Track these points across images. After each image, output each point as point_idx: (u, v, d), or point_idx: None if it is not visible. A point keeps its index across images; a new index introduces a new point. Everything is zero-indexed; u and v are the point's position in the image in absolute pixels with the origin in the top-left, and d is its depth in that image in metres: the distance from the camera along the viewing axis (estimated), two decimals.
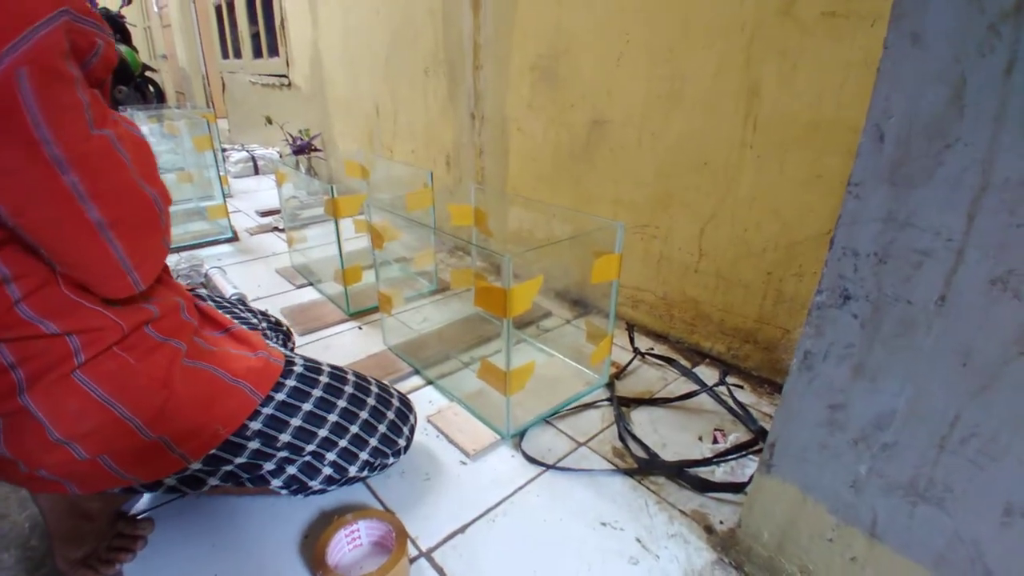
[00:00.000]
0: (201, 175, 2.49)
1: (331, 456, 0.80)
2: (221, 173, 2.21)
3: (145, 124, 2.52)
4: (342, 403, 0.83)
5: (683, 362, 1.29)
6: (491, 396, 1.11)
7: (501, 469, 0.96)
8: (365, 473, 0.85)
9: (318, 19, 2.72)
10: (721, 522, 0.85)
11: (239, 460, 0.75)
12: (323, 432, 0.80)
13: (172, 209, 2.49)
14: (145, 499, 0.89)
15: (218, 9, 4.16)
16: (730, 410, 1.10)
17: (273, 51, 3.36)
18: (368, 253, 1.69)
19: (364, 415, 0.84)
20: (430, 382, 1.23)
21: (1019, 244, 0.51)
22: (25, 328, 0.58)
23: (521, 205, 1.79)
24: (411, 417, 0.92)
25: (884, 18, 0.93)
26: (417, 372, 1.26)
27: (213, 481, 0.77)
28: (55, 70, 0.51)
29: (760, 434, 1.01)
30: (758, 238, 1.18)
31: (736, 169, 1.18)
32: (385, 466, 0.88)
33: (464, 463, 0.97)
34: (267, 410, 0.76)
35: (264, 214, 2.53)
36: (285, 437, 0.77)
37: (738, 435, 1.04)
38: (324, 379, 0.84)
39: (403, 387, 1.21)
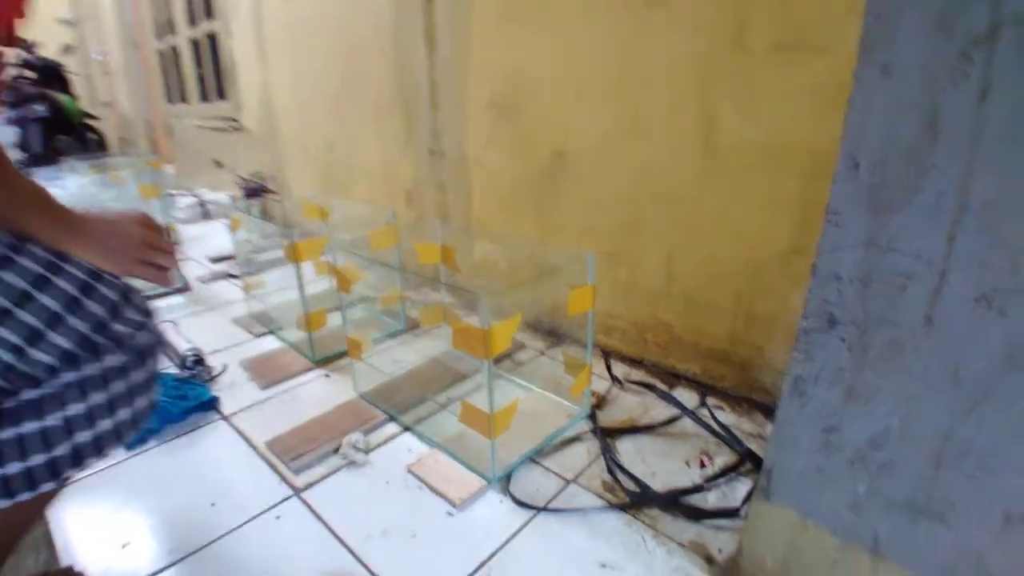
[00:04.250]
0: None
1: None
2: (169, 221, 2.12)
3: (87, 175, 2.41)
4: None
5: (661, 386, 1.28)
6: (473, 438, 1.07)
7: (490, 517, 0.92)
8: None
9: (267, 61, 2.68)
10: (720, 550, 0.83)
11: None
12: None
13: None
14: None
15: (162, 55, 4.07)
16: (713, 432, 1.10)
17: (221, 94, 3.30)
18: (330, 296, 1.64)
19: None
20: (407, 428, 1.18)
21: (1001, 263, 0.52)
22: None
23: (488, 239, 1.78)
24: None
25: (833, 48, 0.98)
26: (392, 419, 1.21)
27: None
28: None
29: (747, 455, 1.01)
30: (724, 261, 1.20)
31: (698, 194, 1.20)
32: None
33: (451, 514, 0.93)
34: None
35: (216, 260, 2.43)
36: None
37: (724, 457, 1.03)
38: None
39: (378, 436, 1.16)
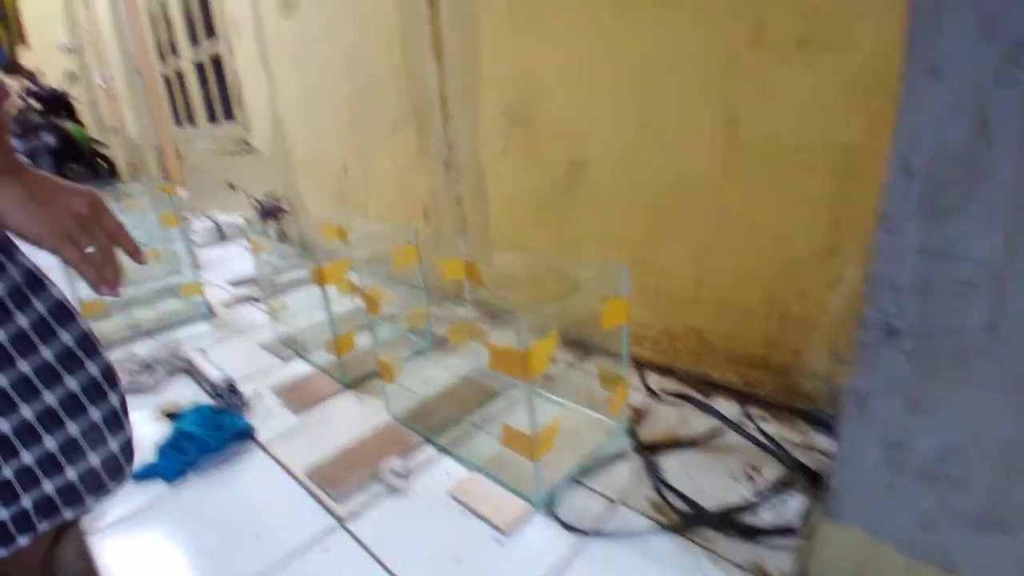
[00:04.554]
0: (167, 249, 2.40)
1: None
2: (188, 245, 2.12)
3: None
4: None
5: (697, 396, 1.26)
6: (512, 459, 1.06)
7: (539, 543, 0.90)
8: None
9: (274, 81, 2.69)
10: (780, 571, 0.81)
11: None
12: None
13: (140, 290, 2.38)
14: None
15: (167, 79, 4.09)
16: (758, 444, 1.08)
17: (229, 116, 3.31)
18: (354, 316, 1.64)
19: None
20: (444, 451, 1.17)
21: None
22: None
23: (512, 252, 1.77)
24: None
25: (856, 42, 0.95)
26: (429, 441, 1.20)
27: None
28: None
29: (797, 467, 0.99)
30: (755, 263, 1.17)
31: (724, 196, 1.18)
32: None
33: (498, 540, 0.92)
34: None
35: (237, 284, 2.44)
36: None
37: (772, 470, 1.01)
38: None
39: (416, 460, 1.15)
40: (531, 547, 0.89)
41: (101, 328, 1.91)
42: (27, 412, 0.55)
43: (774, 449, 1.04)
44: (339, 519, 1.00)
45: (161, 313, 2.11)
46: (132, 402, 1.47)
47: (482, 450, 1.15)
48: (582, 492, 1.01)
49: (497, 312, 1.06)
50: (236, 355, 1.72)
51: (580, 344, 1.56)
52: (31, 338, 0.56)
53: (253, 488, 1.11)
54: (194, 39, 3.42)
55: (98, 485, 0.60)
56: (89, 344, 0.60)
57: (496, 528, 0.93)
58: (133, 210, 2.38)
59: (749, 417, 1.15)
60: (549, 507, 0.97)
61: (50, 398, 0.57)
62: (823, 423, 1.12)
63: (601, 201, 1.43)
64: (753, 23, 1.05)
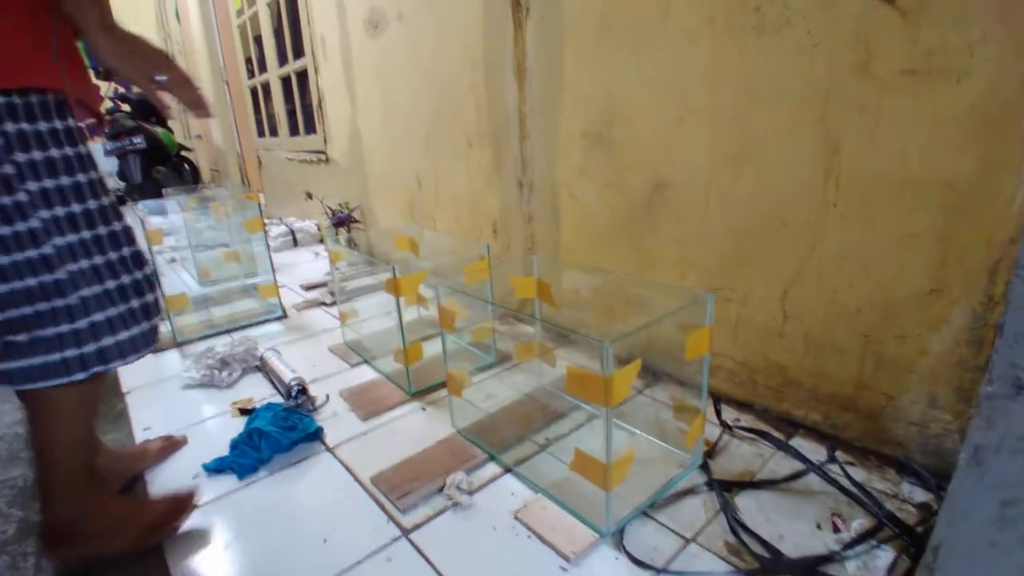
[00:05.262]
0: (245, 251, 2.52)
1: None
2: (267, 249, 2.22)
3: (190, 209, 2.59)
4: None
5: (776, 434, 1.20)
6: (579, 484, 1.03)
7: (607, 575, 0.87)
8: None
9: (356, 98, 2.80)
10: None
11: None
12: None
13: (220, 288, 2.51)
14: None
15: (253, 91, 4.34)
16: (844, 490, 1.01)
17: (310, 129, 3.47)
18: (419, 325, 1.66)
19: None
20: (509, 470, 1.16)
21: None
22: None
23: (581, 270, 1.75)
24: None
25: (970, 75, 0.90)
26: (493, 458, 1.20)
27: None
28: None
29: (888, 519, 0.92)
30: (850, 299, 1.11)
31: (819, 228, 1.13)
32: None
33: (564, 569, 0.89)
34: None
35: (308, 288, 2.53)
36: None
37: (861, 521, 0.94)
38: None
39: (480, 476, 1.14)
40: None
41: (180, 323, 2.01)
42: (125, 279, 0.91)
43: (862, 497, 0.97)
44: (403, 529, 1.00)
45: (237, 312, 2.21)
46: (208, 396, 1.55)
47: (547, 472, 1.13)
48: (652, 526, 0.97)
49: (565, 332, 1.05)
50: (306, 357, 1.78)
51: (648, 370, 1.52)
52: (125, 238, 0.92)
53: (321, 491, 1.13)
54: (282, 58, 3.61)
55: (134, 351, 0.92)
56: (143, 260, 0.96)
57: (563, 556, 0.91)
58: (218, 213, 2.52)
59: (835, 461, 1.08)
60: (617, 539, 0.94)
61: (127, 279, 0.91)
62: (915, 472, 1.05)
63: (682, 225, 1.40)
64: (860, 52, 1.01)
